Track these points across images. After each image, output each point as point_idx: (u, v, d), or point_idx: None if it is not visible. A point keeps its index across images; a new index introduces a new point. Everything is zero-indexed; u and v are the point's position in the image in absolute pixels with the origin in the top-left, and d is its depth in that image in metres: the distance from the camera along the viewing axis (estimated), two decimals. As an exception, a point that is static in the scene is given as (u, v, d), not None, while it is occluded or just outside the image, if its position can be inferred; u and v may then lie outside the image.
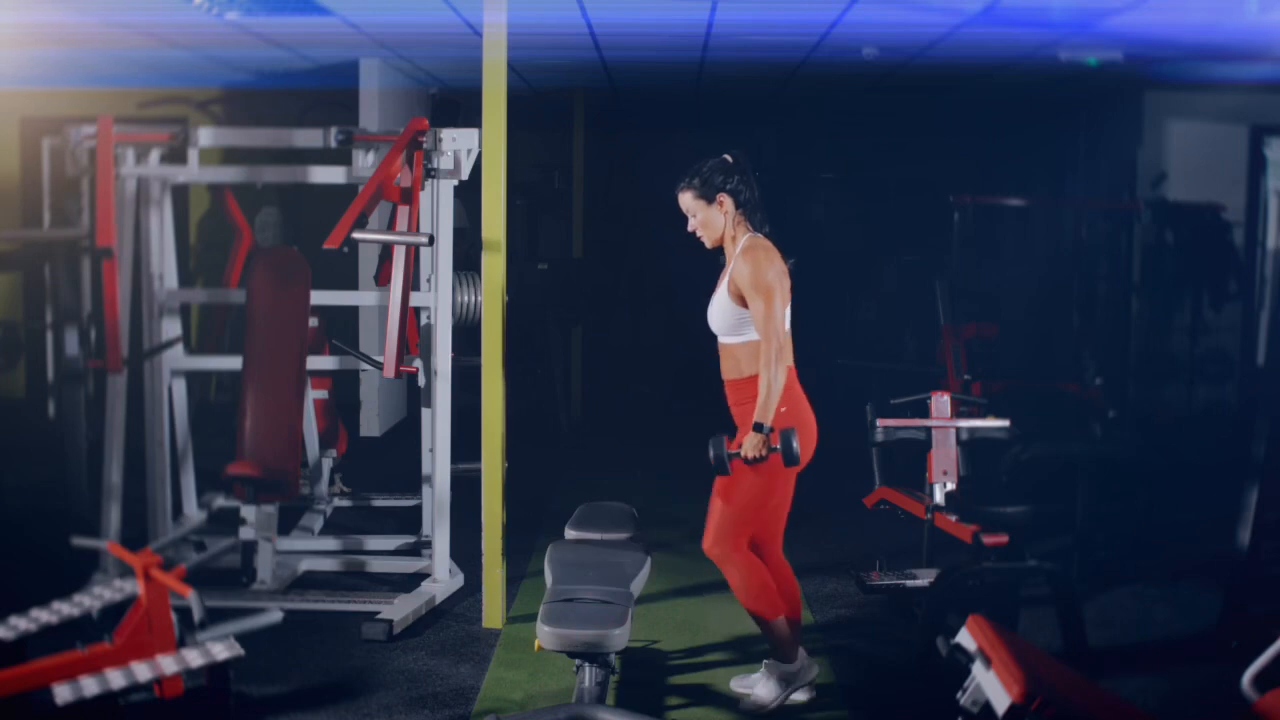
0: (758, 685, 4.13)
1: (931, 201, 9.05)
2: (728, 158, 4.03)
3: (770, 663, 4.12)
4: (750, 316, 3.90)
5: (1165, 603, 5.20)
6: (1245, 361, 8.85)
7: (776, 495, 4.07)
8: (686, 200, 4.03)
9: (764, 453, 3.78)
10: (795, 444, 3.75)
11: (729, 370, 4.03)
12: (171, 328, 5.65)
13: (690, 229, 4.07)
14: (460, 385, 5.39)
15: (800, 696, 4.13)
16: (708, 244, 4.07)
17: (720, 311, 3.98)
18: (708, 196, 3.99)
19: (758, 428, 3.78)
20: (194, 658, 3.43)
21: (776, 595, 4.08)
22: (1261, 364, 8.47)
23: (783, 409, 3.88)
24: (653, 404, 9.88)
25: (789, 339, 3.99)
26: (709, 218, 4.01)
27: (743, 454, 3.80)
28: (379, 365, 5.09)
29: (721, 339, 4.03)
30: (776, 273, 3.90)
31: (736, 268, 3.92)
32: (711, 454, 3.81)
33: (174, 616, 3.51)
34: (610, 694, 4.03)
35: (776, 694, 4.08)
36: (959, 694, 3.09)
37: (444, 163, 5.14)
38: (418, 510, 5.89)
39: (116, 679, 3.31)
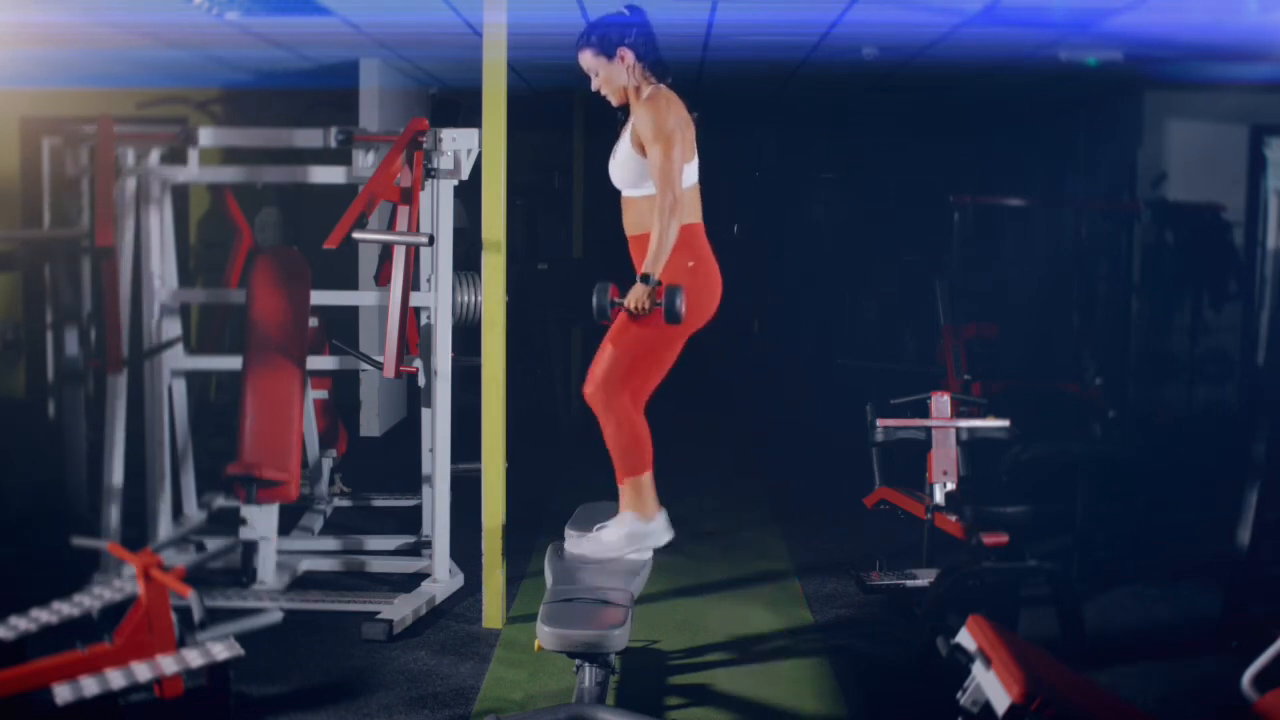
0: (602, 533, 4.10)
1: (931, 201, 9.06)
2: (625, 10, 3.98)
3: (627, 515, 4.10)
4: (648, 168, 3.83)
5: (1165, 603, 5.20)
6: (1245, 361, 8.84)
7: (660, 351, 4.01)
8: (587, 59, 3.97)
9: (647, 305, 3.73)
10: (680, 302, 3.69)
11: (631, 225, 3.98)
12: (171, 328, 5.65)
13: (594, 88, 4.01)
14: (460, 385, 5.39)
15: (640, 556, 4.10)
16: (613, 101, 4.01)
17: (622, 164, 3.94)
18: (608, 52, 3.92)
19: (644, 279, 3.73)
20: (194, 658, 3.43)
21: (648, 450, 4.06)
22: (1261, 364, 8.47)
23: (690, 263, 3.85)
24: (653, 404, 9.85)
25: (694, 193, 3.94)
26: (611, 74, 3.95)
27: (625, 304, 3.76)
28: (379, 365, 5.09)
29: (624, 192, 3.98)
30: (677, 121, 3.83)
31: (637, 116, 3.87)
32: (594, 302, 3.76)
33: (174, 616, 3.51)
34: (610, 694, 4.03)
35: (623, 547, 4.06)
36: (959, 694, 3.09)
37: (444, 163, 5.14)
38: (418, 510, 5.89)
39: (116, 679, 3.31)
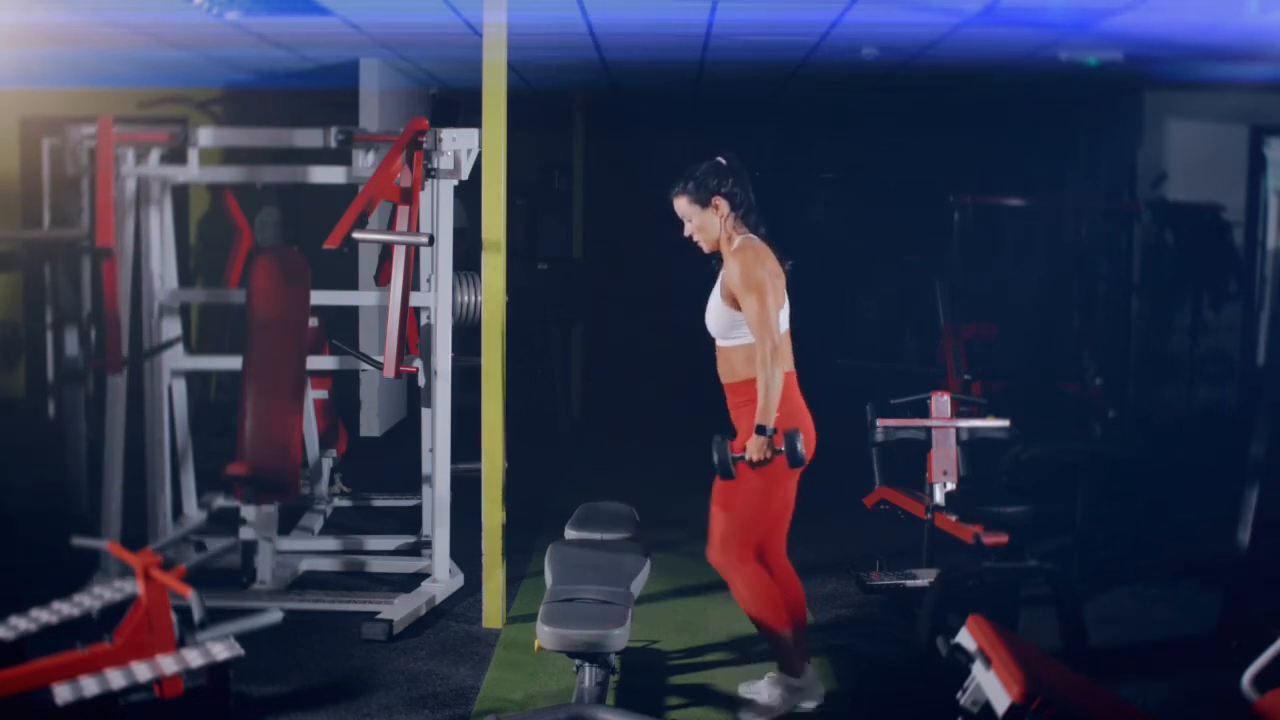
0: (762, 692, 4.09)
1: (931, 201, 9.05)
2: (721, 160, 4.01)
3: (776, 675, 4.09)
4: (744, 318, 3.87)
5: (1165, 603, 5.20)
6: (1245, 361, 8.85)
7: (779, 499, 4.03)
8: (682, 205, 4.01)
9: (768, 455, 3.75)
10: (800, 444, 3.72)
11: (725, 374, 4.01)
12: (171, 328, 5.65)
13: (687, 234, 4.05)
14: (460, 385, 5.39)
15: (808, 705, 4.08)
16: (705, 248, 4.05)
17: (715, 314, 3.97)
18: (702, 201, 3.96)
19: (760, 430, 3.75)
20: (194, 658, 3.43)
21: (783, 607, 4.03)
22: (1261, 364, 8.46)
23: (780, 412, 3.86)
24: (653, 404, 9.89)
25: (787, 340, 3.98)
26: (704, 222, 3.98)
27: (747, 457, 3.76)
28: (379, 365, 5.09)
29: (718, 342, 4.01)
30: (768, 272, 3.87)
31: (728, 269, 3.91)
32: (715, 458, 3.77)
33: (174, 616, 3.51)
34: (610, 694, 4.03)
35: (780, 704, 4.03)
36: (959, 694, 3.09)
37: (444, 163, 5.14)
38: (418, 510, 5.89)
39: (116, 679, 3.31)
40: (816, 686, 4.10)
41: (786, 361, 3.95)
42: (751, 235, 3.97)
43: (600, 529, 4.38)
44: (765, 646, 4.68)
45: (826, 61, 7.85)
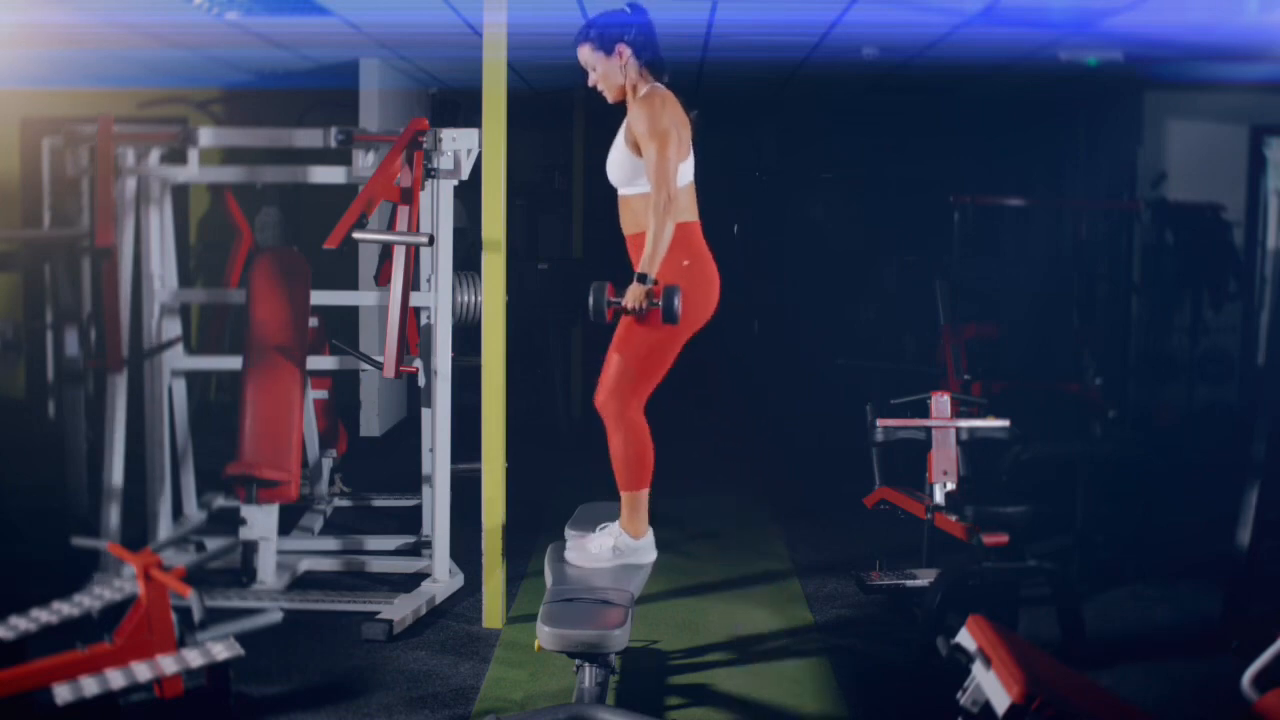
0: (588, 543, 4.07)
1: (931, 201, 9.06)
2: (626, 8, 3.97)
3: (617, 530, 4.06)
4: (643, 166, 3.81)
5: (1165, 603, 5.20)
6: (1245, 361, 8.84)
7: (668, 353, 3.97)
8: (585, 54, 3.96)
9: (644, 305, 3.70)
10: (677, 301, 3.67)
11: (628, 224, 3.97)
12: (171, 328, 5.65)
13: (590, 83, 4.00)
14: (460, 385, 5.39)
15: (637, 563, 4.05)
16: (609, 98, 4.00)
17: (617, 162, 3.92)
18: (606, 48, 3.92)
19: (640, 278, 3.70)
20: (194, 658, 3.43)
21: (650, 466, 4.03)
22: (1261, 364, 8.46)
23: (685, 262, 3.84)
24: (652, 403, 9.85)
25: (690, 191, 3.92)
26: (608, 70, 3.94)
27: (623, 304, 3.73)
28: (379, 365, 5.09)
29: (620, 191, 3.97)
30: (672, 120, 3.82)
31: (632, 115, 3.86)
32: (590, 302, 3.74)
33: (174, 616, 3.51)
34: (610, 694, 4.03)
35: (601, 558, 4.02)
36: (959, 694, 3.09)
37: (444, 163, 5.14)
38: (418, 510, 5.89)
39: (116, 679, 3.31)
40: (649, 551, 4.08)
41: (688, 213, 3.89)
42: (658, 84, 3.93)
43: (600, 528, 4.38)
44: (766, 646, 4.70)
45: (826, 61, 7.85)
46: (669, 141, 3.78)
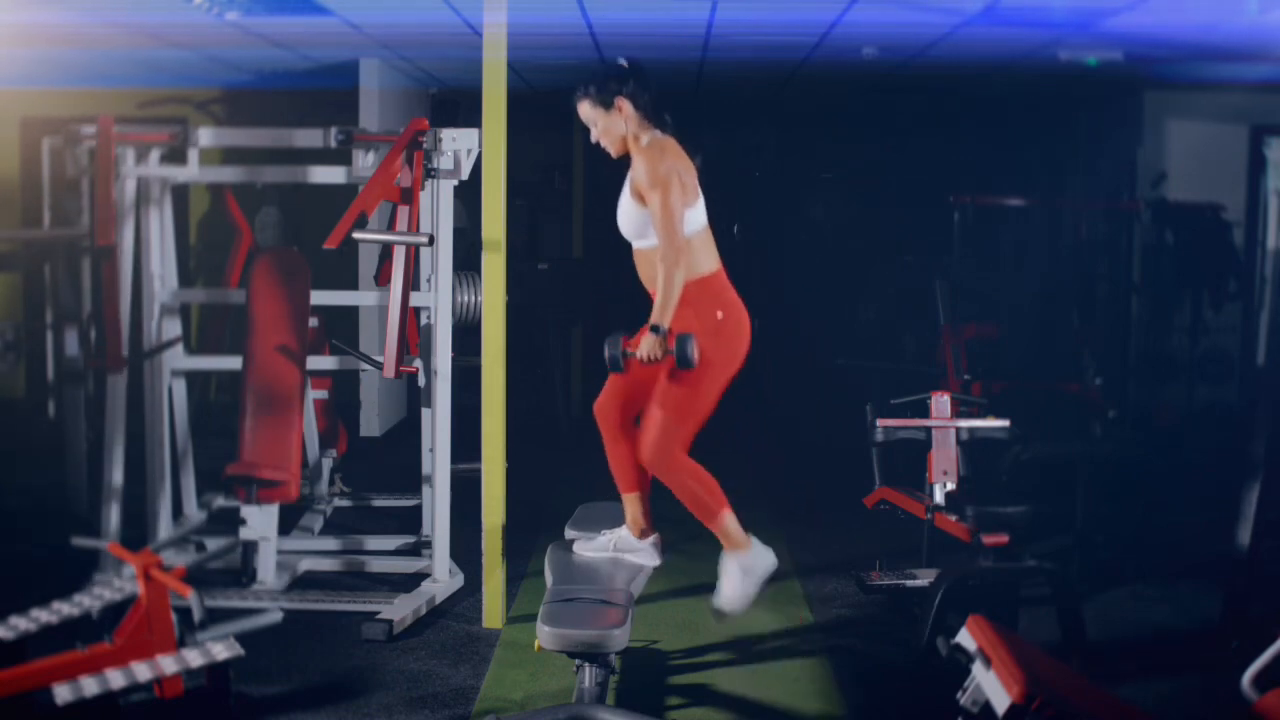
0: (722, 586, 4.03)
1: (931, 201, 9.05)
2: (622, 62, 3.96)
3: (727, 554, 4.03)
4: (649, 217, 3.80)
5: (1165, 603, 5.20)
6: (1245, 361, 8.84)
7: (710, 400, 3.94)
8: (585, 110, 3.95)
9: (659, 354, 3.68)
10: (691, 349, 3.67)
11: (645, 278, 3.94)
12: (171, 328, 5.65)
13: (594, 140, 4.00)
14: (460, 385, 5.39)
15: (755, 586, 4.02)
16: (612, 152, 3.99)
17: (627, 215, 3.91)
18: (605, 103, 3.91)
19: (654, 329, 3.68)
20: (194, 658, 3.43)
21: (719, 488, 4.00)
22: (1261, 364, 8.46)
23: (720, 314, 3.83)
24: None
25: (706, 237, 3.88)
26: (609, 125, 3.93)
27: (638, 354, 3.71)
28: (379, 365, 5.09)
29: (634, 244, 3.95)
30: (672, 167, 3.78)
31: (634, 166, 3.85)
32: (606, 353, 3.73)
33: (174, 616, 3.51)
34: (610, 694, 4.03)
35: (742, 589, 3.99)
36: (959, 694, 3.09)
37: (444, 163, 5.14)
38: (418, 510, 5.89)
39: (116, 679, 3.31)
40: (766, 554, 4.05)
41: (709, 261, 3.87)
42: (659, 133, 3.92)
43: (600, 529, 4.38)
44: (766, 646, 4.70)
45: (826, 61, 7.85)
46: (670, 189, 3.74)
